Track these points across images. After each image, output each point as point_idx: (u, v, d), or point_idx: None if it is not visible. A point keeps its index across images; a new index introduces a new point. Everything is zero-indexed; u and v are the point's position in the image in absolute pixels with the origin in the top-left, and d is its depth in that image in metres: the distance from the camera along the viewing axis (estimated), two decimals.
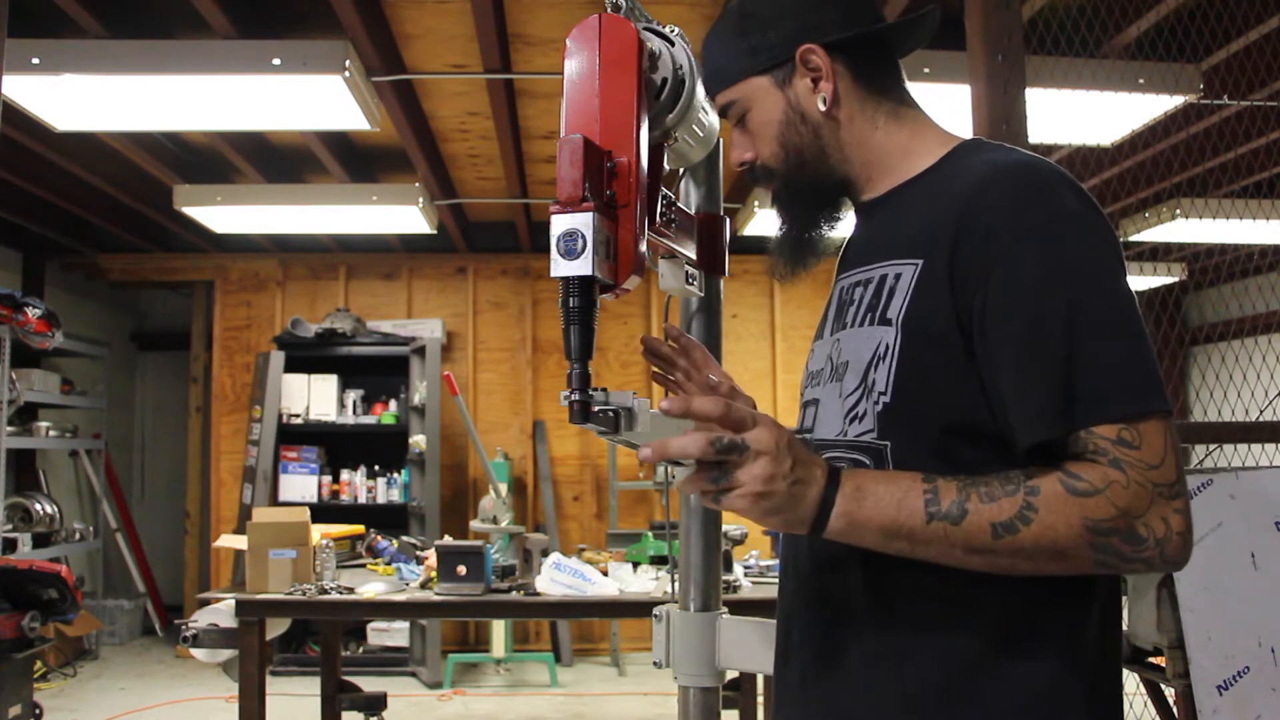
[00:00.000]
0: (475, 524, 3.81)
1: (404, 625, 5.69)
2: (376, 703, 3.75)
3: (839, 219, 1.22)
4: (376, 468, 6.01)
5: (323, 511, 5.18)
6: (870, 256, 1.13)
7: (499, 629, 5.66)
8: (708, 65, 1.21)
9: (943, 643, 1.00)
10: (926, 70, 3.08)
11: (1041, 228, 0.97)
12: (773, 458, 0.92)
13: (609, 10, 1.15)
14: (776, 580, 1.62)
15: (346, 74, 3.10)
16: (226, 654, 3.20)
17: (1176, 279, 5.99)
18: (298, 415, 5.94)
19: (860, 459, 1.05)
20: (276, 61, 3.08)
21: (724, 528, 2.13)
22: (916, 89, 1.22)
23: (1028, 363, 0.95)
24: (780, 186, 1.21)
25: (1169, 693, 2.29)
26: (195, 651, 3.14)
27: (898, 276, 1.06)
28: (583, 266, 1.02)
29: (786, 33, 1.15)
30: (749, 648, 1.48)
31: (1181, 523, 0.92)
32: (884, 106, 1.16)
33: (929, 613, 1.01)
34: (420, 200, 4.67)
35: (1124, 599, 2.22)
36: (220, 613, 3.02)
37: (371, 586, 3.11)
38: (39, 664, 5.18)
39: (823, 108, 1.14)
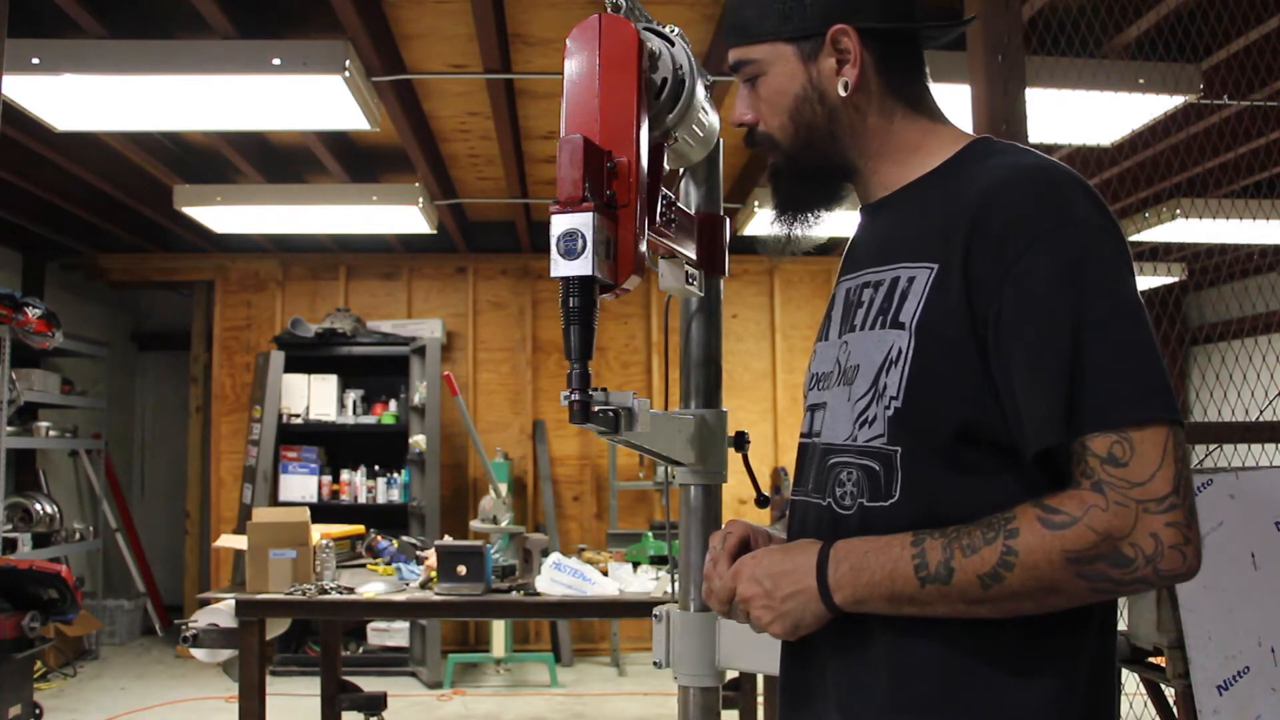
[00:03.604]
0: (475, 524, 3.81)
1: (404, 625, 5.69)
2: (376, 703, 3.75)
3: (836, 206, 1.19)
4: (376, 468, 6.01)
5: (323, 511, 5.17)
6: (880, 258, 1.11)
7: (499, 629, 5.66)
8: (732, 14, 1.15)
9: (937, 653, 1.00)
10: (926, 70, 3.08)
11: (1054, 234, 0.96)
12: (760, 599, 1.06)
13: (609, 10, 1.15)
14: None
15: (346, 74, 3.10)
16: (226, 654, 3.19)
17: (1176, 279, 5.99)
18: (298, 415, 5.93)
19: (870, 464, 1.04)
20: (276, 61, 3.08)
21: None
22: None
23: (1036, 369, 0.95)
24: (783, 162, 1.18)
25: (1169, 693, 2.29)
26: (195, 651, 3.13)
27: (910, 279, 1.04)
28: (583, 266, 1.02)
29: (825, 5, 1.09)
30: (749, 648, 1.47)
31: (1176, 535, 0.90)
32: (902, 102, 1.14)
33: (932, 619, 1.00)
34: (420, 200, 4.67)
35: (1123, 602, 2.22)
36: (220, 613, 3.02)
37: (371, 586, 3.11)
38: (39, 664, 5.18)
39: (843, 92, 1.11)
